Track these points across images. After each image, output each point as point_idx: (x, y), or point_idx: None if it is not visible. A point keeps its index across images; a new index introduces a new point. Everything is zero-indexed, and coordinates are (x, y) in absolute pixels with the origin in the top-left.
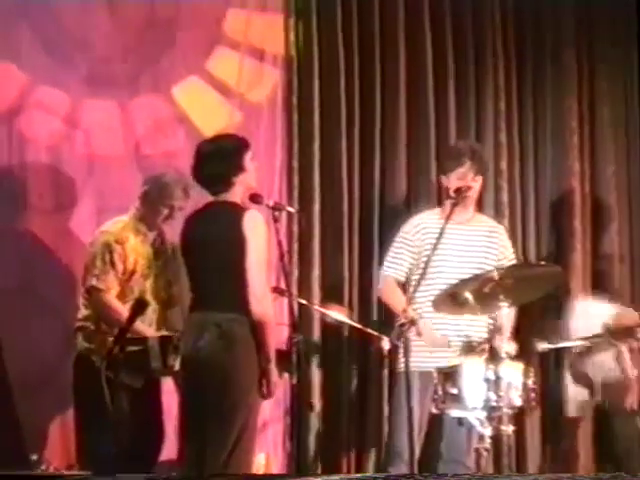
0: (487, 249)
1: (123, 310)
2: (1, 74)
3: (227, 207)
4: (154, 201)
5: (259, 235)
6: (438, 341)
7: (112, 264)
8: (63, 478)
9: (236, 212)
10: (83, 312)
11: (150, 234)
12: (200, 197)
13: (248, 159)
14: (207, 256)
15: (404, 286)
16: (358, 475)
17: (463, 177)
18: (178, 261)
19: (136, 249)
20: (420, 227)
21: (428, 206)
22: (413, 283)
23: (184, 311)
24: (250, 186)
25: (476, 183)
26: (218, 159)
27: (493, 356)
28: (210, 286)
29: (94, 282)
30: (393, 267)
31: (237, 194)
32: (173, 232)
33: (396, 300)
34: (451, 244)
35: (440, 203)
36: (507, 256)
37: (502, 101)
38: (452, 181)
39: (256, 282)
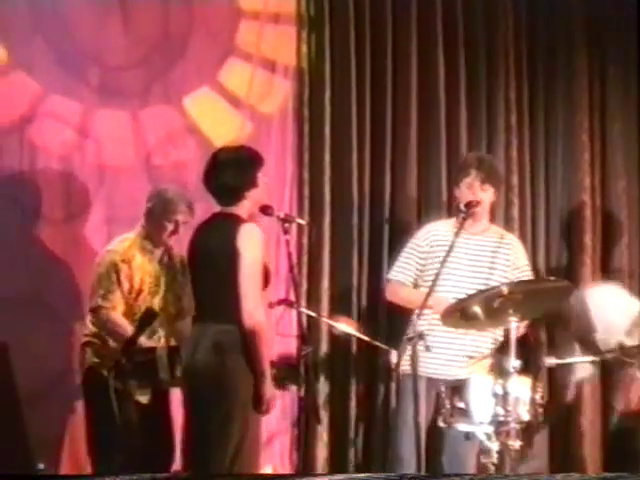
0: (495, 259)
1: (129, 327)
2: (14, 83)
3: (228, 219)
4: (158, 217)
5: (253, 248)
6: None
7: (118, 283)
8: (64, 478)
9: (234, 225)
10: (91, 329)
11: (157, 251)
12: (211, 208)
13: (261, 175)
14: (206, 268)
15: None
16: (361, 475)
17: (470, 187)
18: (187, 274)
19: (143, 267)
20: (430, 234)
21: (438, 219)
22: (425, 287)
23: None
24: (262, 202)
25: (485, 193)
26: (234, 170)
27: (501, 370)
28: (208, 297)
29: (100, 301)
30: (400, 272)
31: (245, 208)
32: (181, 244)
33: (411, 295)
34: (461, 255)
35: (452, 214)
36: (520, 266)
37: (513, 116)
38: (462, 191)
39: (248, 294)
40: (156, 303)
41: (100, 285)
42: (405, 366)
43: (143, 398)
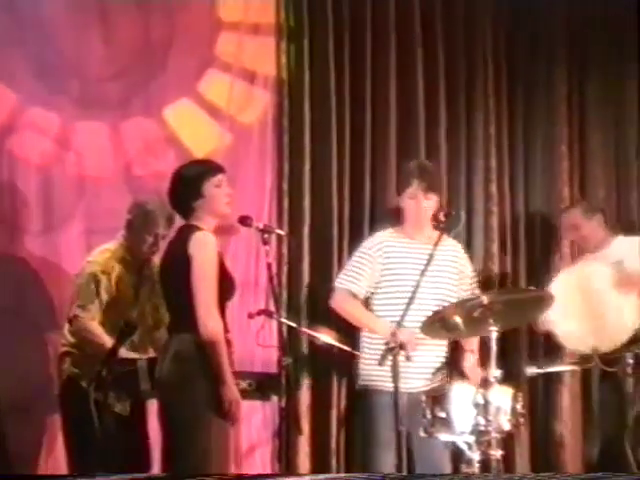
0: (451, 267)
1: (105, 336)
2: None
3: (186, 230)
4: (139, 229)
5: (202, 255)
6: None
7: (97, 294)
8: (60, 478)
9: (188, 233)
10: (69, 339)
11: (136, 262)
12: None
13: (210, 185)
14: (169, 279)
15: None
16: (345, 474)
17: (414, 197)
18: None
19: (122, 279)
20: (383, 245)
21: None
22: (378, 299)
23: None
24: (216, 211)
25: (429, 201)
26: (179, 184)
27: (482, 380)
28: (172, 308)
29: (78, 311)
30: (351, 280)
31: (200, 218)
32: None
33: (358, 312)
34: (411, 265)
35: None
36: (468, 274)
37: (492, 126)
38: (406, 202)
39: (200, 302)
40: (134, 314)
41: (79, 296)
42: (374, 381)
43: (122, 409)
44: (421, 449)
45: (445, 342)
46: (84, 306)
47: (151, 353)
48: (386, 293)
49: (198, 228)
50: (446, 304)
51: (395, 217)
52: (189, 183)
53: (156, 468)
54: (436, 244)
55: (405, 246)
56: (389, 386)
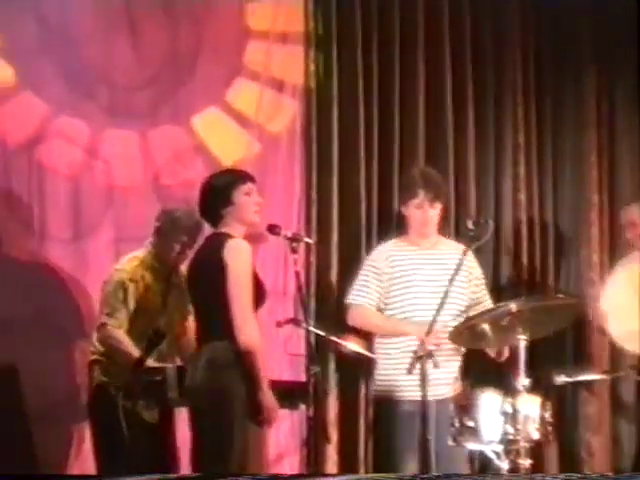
0: (454, 272)
1: (133, 346)
2: (22, 104)
3: (217, 238)
4: (167, 237)
5: (238, 262)
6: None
7: (125, 302)
8: (68, 478)
9: (221, 241)
10: (98, 347)
11: (164, 269)
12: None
13: (240, 193)
14: (200, 286)
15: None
16: (366, 475)
17: (420, 207)
18: None
19: (150, 287)
20: (388, 255)
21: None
22: (390, 310)
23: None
24: (245, 219)
25: (434, 210)
26: (209, 193)
27: (510, 389)
28: (205, 316)
29: (104, 319)
30: (362, 296)
31: (230, 226)
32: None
33: (381, 321)
34: (421, 273)
35: (402, 232)
36: (477, 276)
37: (521, 134)
38: (411, 211)
39: (237, 310)
40: (162, 322)
41: (107, 303)
42: (395, 389)
43: (150, 417)
44: (444, 458)
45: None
46: (111, 314)
47: (178, 362)
48: (396, 302)
49: (230, 236)
50: (458, 308)
51: (398, 225)
52: (219, 191)
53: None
54: (465, 252)
55: (412, 255)
56: (411, 394)
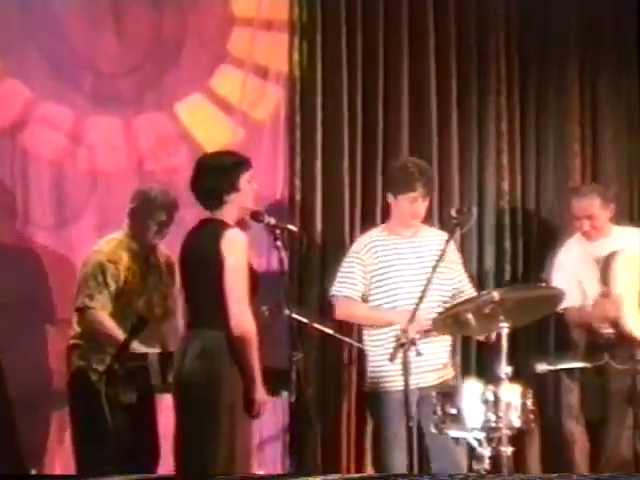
0: (435, 258)
1: (117, 328)
2: (6, 89)
3: (213, 225)
4: (142, 217)
5: (236, 253)
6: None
7: (105, 284)
8: (62, 479)
9: (218, 230)
10: (76, 330)
11: (142, 250)
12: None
13: (244, 180)
14: (194, 273)
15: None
16: (356, 475)
17: (414, 200)
18: (173, 275)
19: (129, 267)
20: (371, 246)
21: (428, 226)
22: (374, 300)
23: (178, 325)
24: (245, 207)
25: (425, 203)
26: (214, 175)
27: (492, 377)
28: (198, 303)
29: (87, 302)
30: (348, 287)
31: (229, 213)
32: (166, 244)
33: (366, 312)
34: (402, 261)
35: (384, 220)
36: (455, 260)
37: (504, 123)
38: (402, 202)
39: (233, 300)
40: (141, 303)
41: (86, 285)
42: (384, 380)
43: (128, 399)
44: (436, 446)
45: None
46: (92, 296)
47: (157, 346)
48: (380, 292)
49: (226, 224)
50: (443, 295)
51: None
52: (226, 174)
53: (168, 462)
54: (448, 241)
55: (395, 244)
56: (399, 384)
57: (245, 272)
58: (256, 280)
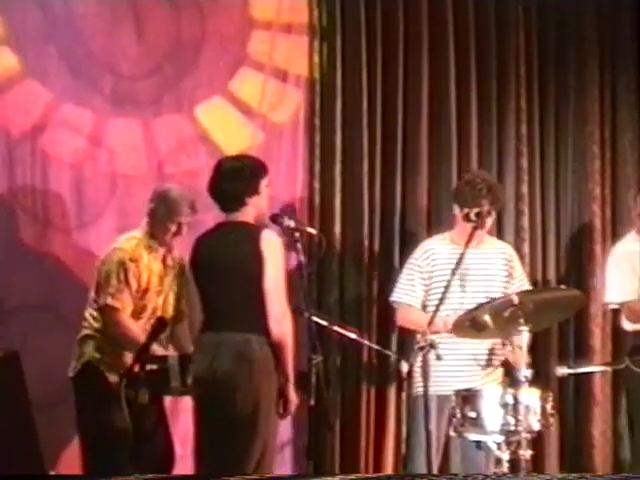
0: (500, 270)
1: (138, 329)
2: (26, 92)
3: (241, 227)
4: (162, 218)
5: (277, 255)
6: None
7: (127, 282)
8: (64, 478)
9: (252, 232)
10: (93, 324)
11: (160, 250)
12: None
13: (264, 184)
14: (221, 276)
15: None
16: (373, 475)
17: (479, 215)
18: (185, 277)
19: (149, 266)
20: (430, 253)
21: (448, 229)
22: (432, 306)
23: (192, 328)
24: (262, 210)
25: (491, 218)
26: (236, 178)
27: (512, 380)
28: (225, 306)
29: (109, 300)
30: (407, 294)
31: (249, 215)
32: (180, 247)
33: (423, 319)
34: (466, 267)
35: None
36: (517, 276)
37: (524, 125)
38: (469, 216)
39: (275, 302)
40: (160, 302)
41: (108, 283)
42: (417, 388)
43: (146, 400)
44: (464, 451)
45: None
46: (114, 295)
47: (170, 348)
48: (435, 300)
49: (257, 226)
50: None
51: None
52: (248, 177)
53: (188, 463)
54: (467, 243)
55: (455, 253)
56: (440, 389)
57: (284, 274)
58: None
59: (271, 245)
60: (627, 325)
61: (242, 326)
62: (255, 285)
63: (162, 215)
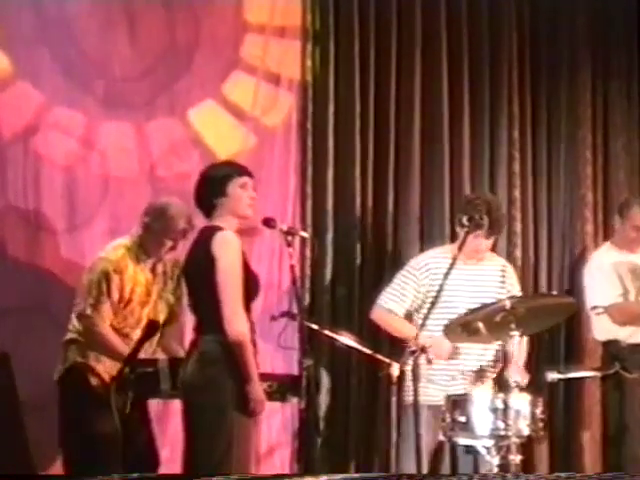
0: (498, 287)
1: (116, 339)
2: (19, 94)
3: (208, 231)
4: (158, 234)
5: (227, 255)
6: (447, 351)
7: (108, 294)
8: (55, 478)
9: (209, 234)
10: (77, 326)
11: (149, 261)
12: None
13: (234, 185)
14: (192, 279)
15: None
16: (357, 475)
17: (478, 237)
18: (179, 278)
19: (134, 277)
20: (429, 266)
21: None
22: (424, 311)
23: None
24: (238, 213)
25: (489, 241)
26: (203, 183)
27: (502, 385)
28: (198, 309)
29: (88, 311)
30: (393, 300)
31: (223, 218)
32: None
33: (400, 326)
34: (463, 280)
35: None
36: (514, 293)
37: (516, 130)
38: (468, 237)
39: (226, 302)
40: (144, 313)
41: (90, 293)
42: (408, 393)
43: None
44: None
45: (490, 347)
46: (94, 305)
47: (160, 351)
48: (439, 312)
49: (220, 228)
50: None
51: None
52: (214, 181)
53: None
54: (460, 247)
55: (454, 268)
56: (433, 399)
57: (238, 274)
58: (254, 283)
59: (223, 245)
60: (599, 335)
61: (205, 327)
62: (211, 287)
63: (158, 231)
